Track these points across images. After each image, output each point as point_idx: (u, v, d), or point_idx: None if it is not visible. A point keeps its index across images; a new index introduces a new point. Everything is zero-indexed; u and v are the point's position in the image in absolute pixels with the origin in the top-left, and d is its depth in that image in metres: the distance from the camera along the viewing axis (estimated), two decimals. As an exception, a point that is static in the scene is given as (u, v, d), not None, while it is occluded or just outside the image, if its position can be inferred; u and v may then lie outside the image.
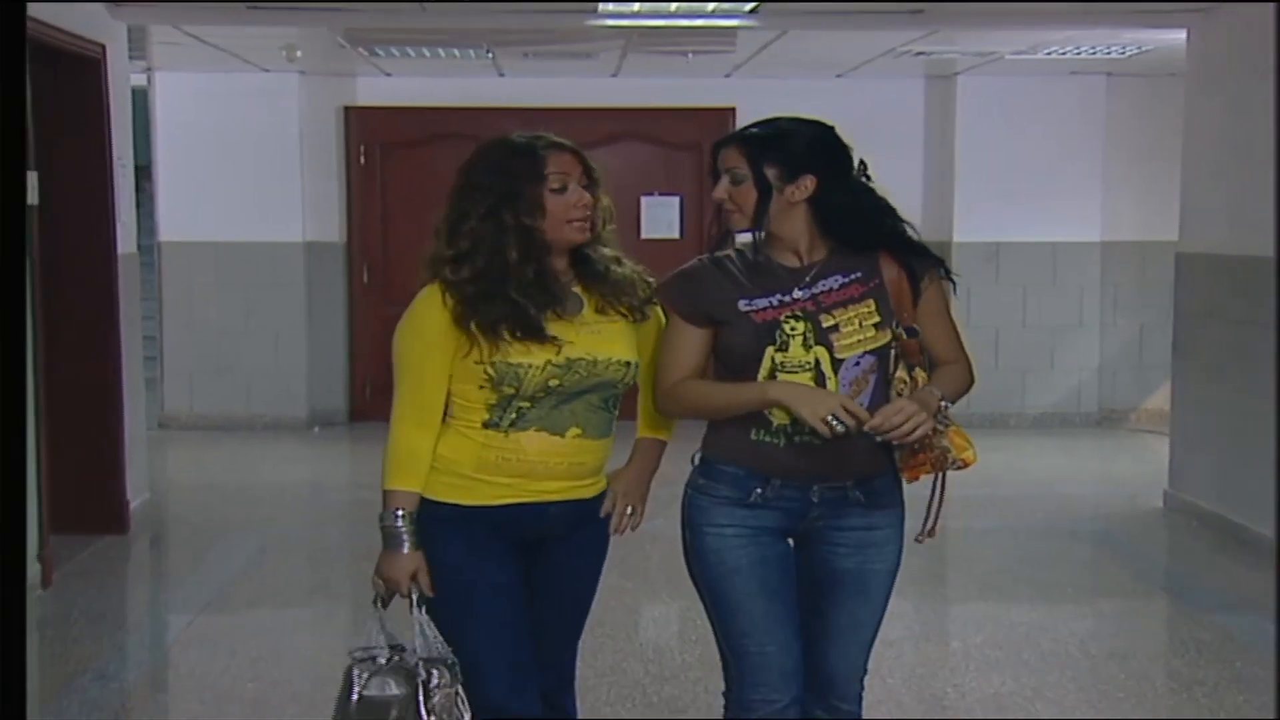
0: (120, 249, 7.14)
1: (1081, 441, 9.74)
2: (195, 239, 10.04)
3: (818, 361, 3.05)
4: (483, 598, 3.11)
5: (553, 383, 3.04)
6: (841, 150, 3.15)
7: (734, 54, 9.02)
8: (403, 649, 3.10)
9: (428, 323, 3.07)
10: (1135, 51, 8.76)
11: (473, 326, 3.02)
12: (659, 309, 3.21)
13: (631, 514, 3.28)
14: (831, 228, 3.12)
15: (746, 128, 3.16)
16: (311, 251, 10.28)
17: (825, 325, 3.06)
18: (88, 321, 6.88)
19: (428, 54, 8.97)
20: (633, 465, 3.31)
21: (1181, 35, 7.59)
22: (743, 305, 3.09)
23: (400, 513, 3.09)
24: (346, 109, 10.38)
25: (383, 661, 3.09)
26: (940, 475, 3.12)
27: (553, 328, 3.04)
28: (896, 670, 5.04)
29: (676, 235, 10.38)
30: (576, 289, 3.14)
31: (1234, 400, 7.05)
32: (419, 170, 10.08)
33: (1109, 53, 8.85)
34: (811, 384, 3.04)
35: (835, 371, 3.05)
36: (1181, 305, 7.72)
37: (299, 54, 9.07)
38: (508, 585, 3.13)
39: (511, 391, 3.04)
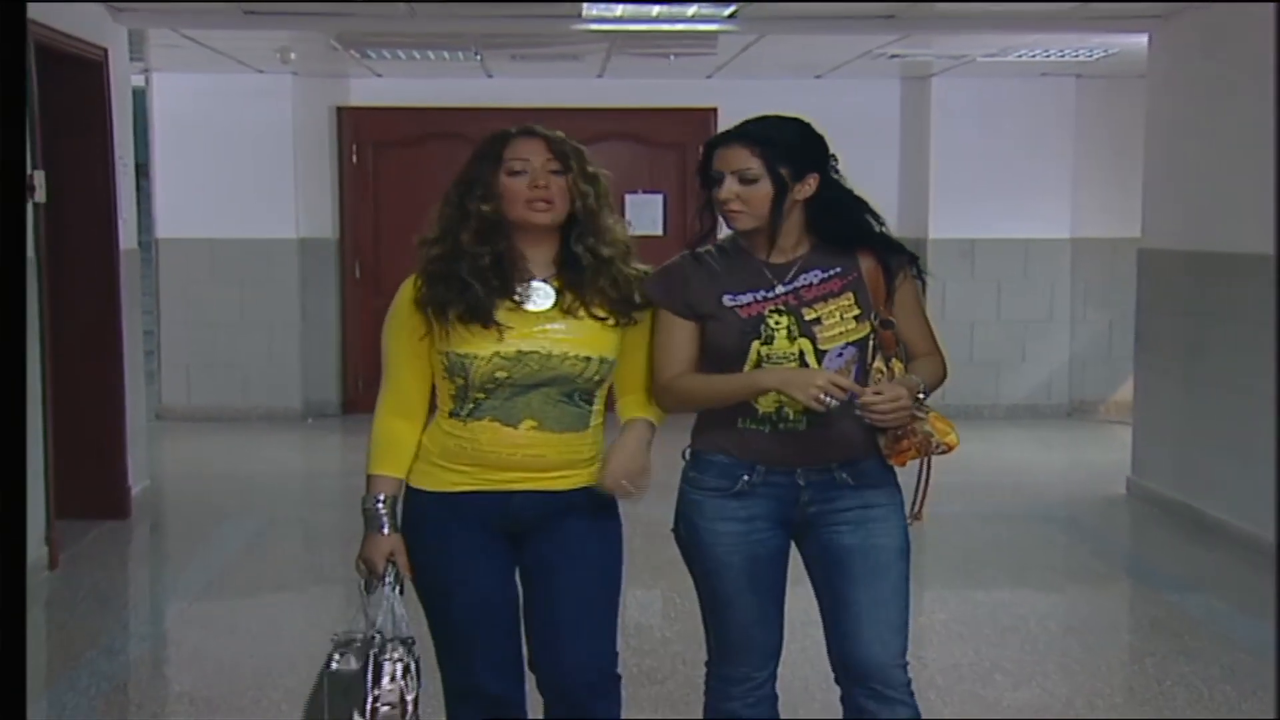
0: (122, 245, 7.41)
1: (1052, 432, 10.03)
2: (192, 236, 10.29)
3: (802, 353, 3.12)
4: (450, 581, 3.15)
5: (500, 374, 3.07)
6: (827, 148, 3.21)
7: (715, 56, 9.29)
8: (382, 634, 3.12)
9: (398, 311, 3.16)
10: (1102, 54, 9.04)
11: (428, 310, 3.09)
12: (649, 317, 3.20)
13: (629, 484, 3.19)
14: (818, 224, 3.17)
15: (746, 128, 3.15)
16: (305, 248, 10.53)
17: (808, 318, 3.12)
18: (92, 315, 7.13)
19: (418, 56, 9.22)
20: (619, 440, 3.22)
21: (1144, 39, 7.88)
22: (727, 300, 3.14)
23: (380, 497, 3.16)
24: (339, 109, 10.63)
25: (358, 642, 3.11)
26: (926, 459, 3.17)
27: (506, 317, 3.07)
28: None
29: (660, 232, 10.64)
30: (552, 285, 3.14)
31: (1193, 391, 7.34)
32: (409, 169, 10.35)
33: (1077, 55, 9.14)
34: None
35: (819, 362, 3.12)
36: (1143, 299, 8.01)
37: (293, 56, 9.33)
38: (477, 571, 3.15)
39: (462, 382, 3.09)
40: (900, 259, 3.22)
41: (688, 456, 3.26)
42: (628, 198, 10.54)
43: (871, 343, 3.17)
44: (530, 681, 3.26)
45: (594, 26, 7.73)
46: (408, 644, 3.10)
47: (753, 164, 3.10)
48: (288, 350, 10.56)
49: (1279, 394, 5.39)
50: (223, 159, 10.20)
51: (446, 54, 9.16)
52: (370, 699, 3.05)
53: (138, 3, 7.30)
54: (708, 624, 3.30)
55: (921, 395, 3.13)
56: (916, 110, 10.51)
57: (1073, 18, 7.61)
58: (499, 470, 3.11)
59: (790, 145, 3.11)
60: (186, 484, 8.39)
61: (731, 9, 7.33)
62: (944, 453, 3.14)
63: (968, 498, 7.77)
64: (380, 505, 3.15)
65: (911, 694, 3.21)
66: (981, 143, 10.29)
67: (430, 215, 3.19)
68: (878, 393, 3.03)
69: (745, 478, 3.16)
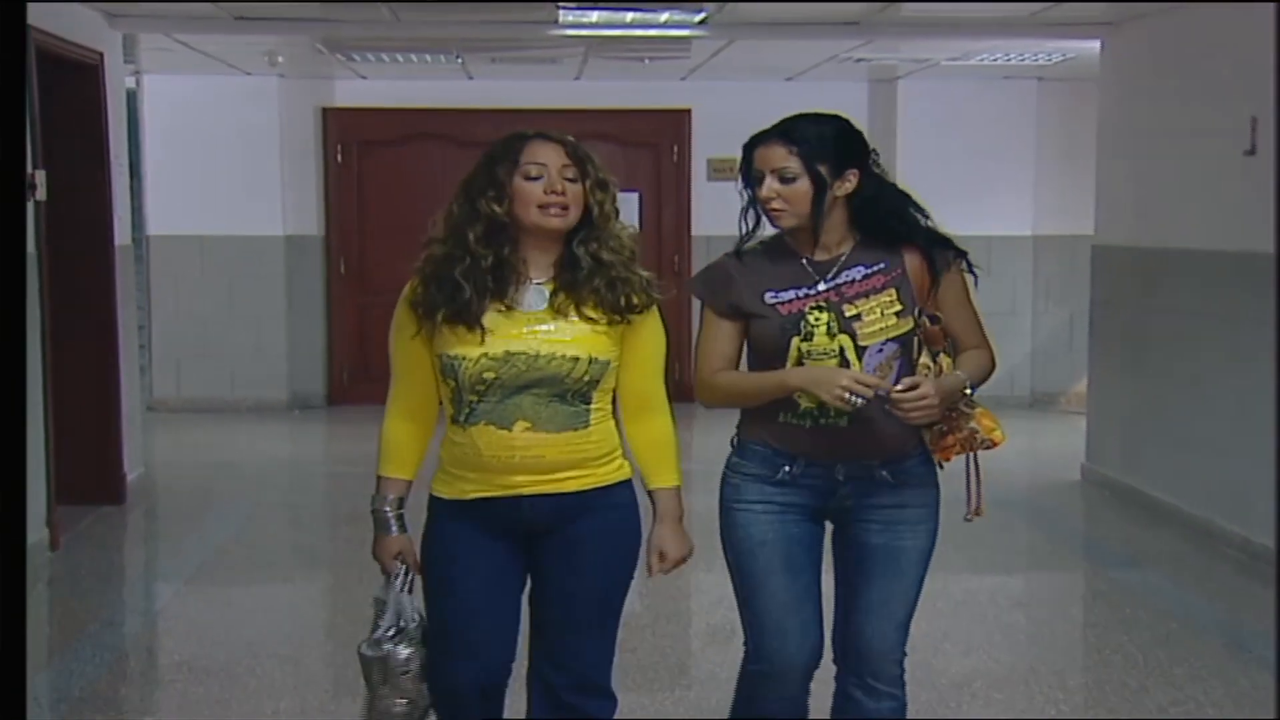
0: (117, 241, 7.70)
1: (1013, 422, 10.10)
2: (181, 233, 10.57)
3: (842, 349, 3.13)
4: (452, 584, 3.16)
5: (488, 375, 3.05)
6: (866, 144, 3.22)
7: (689, 59, 9.61)
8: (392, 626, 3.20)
9: (398, 312, 3.18)
10: (1061, 59, 9.39)
11: (419, 310, 3.11)
12: (654, 318, 3.19)
13: (662, 560, 3.23)
14: (863, 221, 3.19)
15: (786, 126, 3.15)
16: (291, 244, 10.83)
17: (848, 315, 3.13)
18: (89, 309, 7.40)
19: (401, 59, 9.51)
20: (655, 526, 3.24)
21: (1098, 45, 8.23)
22: (769, 298, 3.17)
23: (389, 498, 3.20)
24: (324, 110, 10.92)
25: (384, 630, 3.19)
26: (973, 455, 3.21)
27: (494, 319, 3.07)
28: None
29: (636, 229, 10.95)
30: (547, 287, 3.12)
31: (1142, 382, 7.69)
32: (393, 167, 10.68)
33: (1036, 59, 9.48)
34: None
35: (859, 358, 3.12)
36: (1096, 294, 8.36)
37: (280, 59, 9.61)
38: (482, 576, 3.15)
39: (454, 384, 3.09)
40: (945, 253, 3.21)
41: (733, 444, 3.31)
42: (604, 196, 10.83)
43: (916, 339, 3.16)
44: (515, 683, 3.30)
45: (570, 32, 8.03)
46: (415, 644, 3.16)
47: (791, 162, 3.11)
48: (275, 344, 10.85)
49: (1278, 397, 5.61)
50: (211, 158, 10.48)
51: (429, 57, 9.45)
52: (379, 697, 3.17)
53: (133, 4, 7.57)
54: (743, 616, 3.29)
55: (968, 390, 3.15)
56: (884, 112, 10.83)
57: (1028, 24, 7.94)
58: (503, 474, 3.10)
59: (827, 142, 3.12)
60: (178, 471, 8.68)
61: (701, 15, 7.65)
62: (989, 448, 3.19)
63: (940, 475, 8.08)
64: (388, 507, 3.20)
65: (902, 686, 3.29)
66: (946, 143, 10.61)
67: (436, 216, 3.17)
68: (905, 390, 3.01)
69: (786, 468, 3.19)
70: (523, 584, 3.24)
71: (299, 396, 10.95)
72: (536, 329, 3.08)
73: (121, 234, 7.87)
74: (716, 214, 11.01)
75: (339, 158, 10.97)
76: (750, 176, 3.18)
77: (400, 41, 8.78)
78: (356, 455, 9.17)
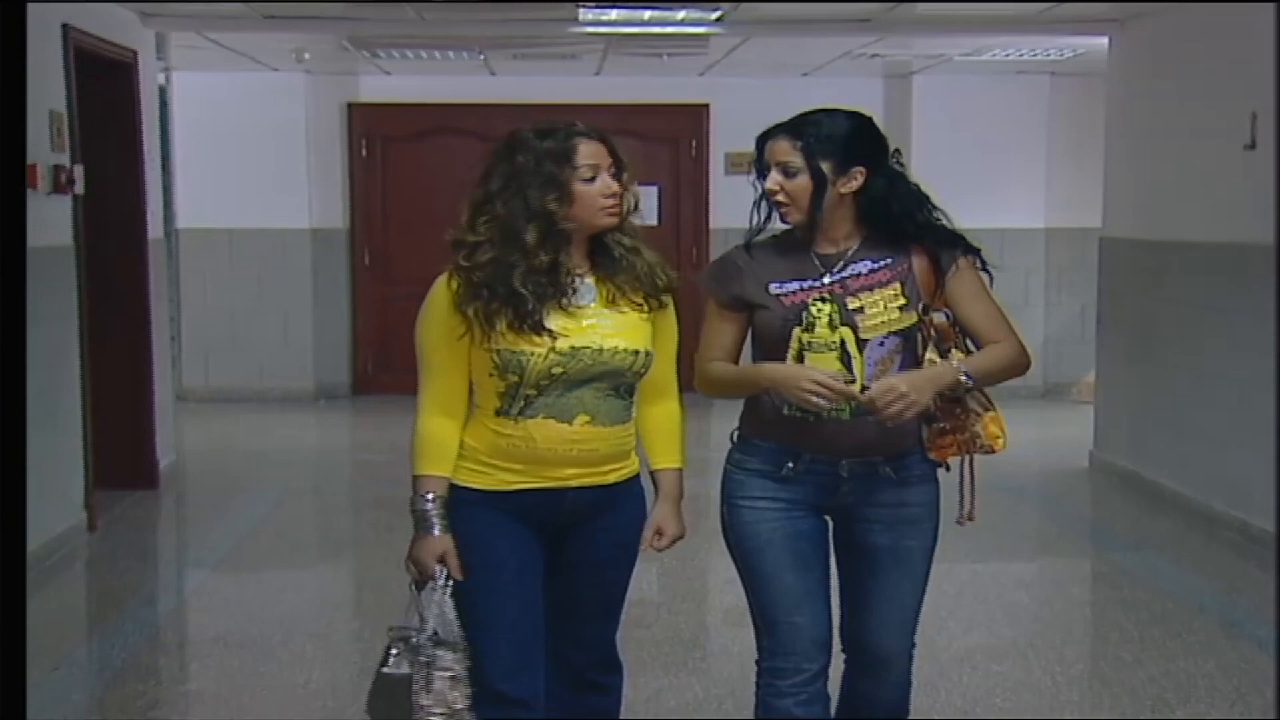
0: (150, 235, 7.94)
1: (1026, 412, 10.43)
2: (210, 226, 10.83)
3: (843, 341, 3.12)
4: (493, 579, 3.13)
5: (556, 370, 3.05)
6: (882, 141, 3.22)
7: (706, 55, 9.81)
8: (436, 633, 3.12)
9: (434, 311, 3.12)
10: (1072, 54, 9.57)
11: (470, 312, 3.05)
12: (672, 305, 3.23)
13: (660, 538, 3.27)
14: (869, 216, 3.18)
15: (796, 121, 3.17)
16: (317, 237, 11.08)
17: (851, 307, 3.12)
18: (124, 301, 7.63)
19: (425, 55, 9.74)
20: (657, 504, 3.30)
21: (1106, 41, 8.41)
22: (773, 289, 3.17)
23: (430, 497, 3.12)
24: (350, 105, 11.16)
25: (413, 638, 3.12)
26: (969, 458, 3.18)
27: (554, 319, 3.06)
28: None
29: (655, 222, 11.17)
30: (590, 279, 3.13)
31: (1149, 371, 7.87)
32: (417, 162, 10.91)
33: (1048, 55, 9.67)
34: (837, 363, 3.11)
35: (860, 351, 3.12)
36: (1104, 285, 8.55)
37: (307, 56, 9.85)
38: (520, 568, 3.15)
39: (516, 379, 3.06)
40: (951, 251, 3.19)
41: (735, 439, 3.30)
42: (624, 190, 11.03)
43: (920, 334, 3.14)
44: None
45: (590, 29, 8.23)
46: (460, 652, 3.09)
47: (794, 157, 3.12)
48: (301, 334, 11.11)
49: (1277, 390, 5.72)
50: (240, 153, 10.72)
51: (452, 54, 9.67)
52: (418, 708, 3.08)
53: (166, 3, 7.80)
54: (754, 615, 3.28)
55: (966, 380, 3.09)
56: (899, 106, 11.01)
57: (1037, 21, 8.13)
58: (555, 467, 3.11)
59: (835, 139, 3.11)
60: (209, 458, 8.93)
61: (717, 14, 7.85)
62: (988, 453, 3.18)
63: (940, 472, 8.27)
64: (430, 505, 3.13)
65: (909, 676, 3.30)
66: (961, 137, 10.79)
67: (467, 214, 3.11)
68: (876, 391, 3.00)
69: (790, 464, 3.18)
70: (541, 574, 3.23)
71: (325, 386, 11.20)
72: (595, 323, 3.09)
73: (154, 228, 8.11)
74: (734, 207, 11.05)
75: (364, 152, 11.20)
76: (760, 169, 3.20)
77: (424, 39, 9.00)
78: (381, 443, 9.54)
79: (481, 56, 9.84)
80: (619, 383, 3.12)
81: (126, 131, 7.67)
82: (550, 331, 3.04)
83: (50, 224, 6.49)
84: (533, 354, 3.04)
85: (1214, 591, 5.97)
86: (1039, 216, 11.05)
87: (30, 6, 6.02)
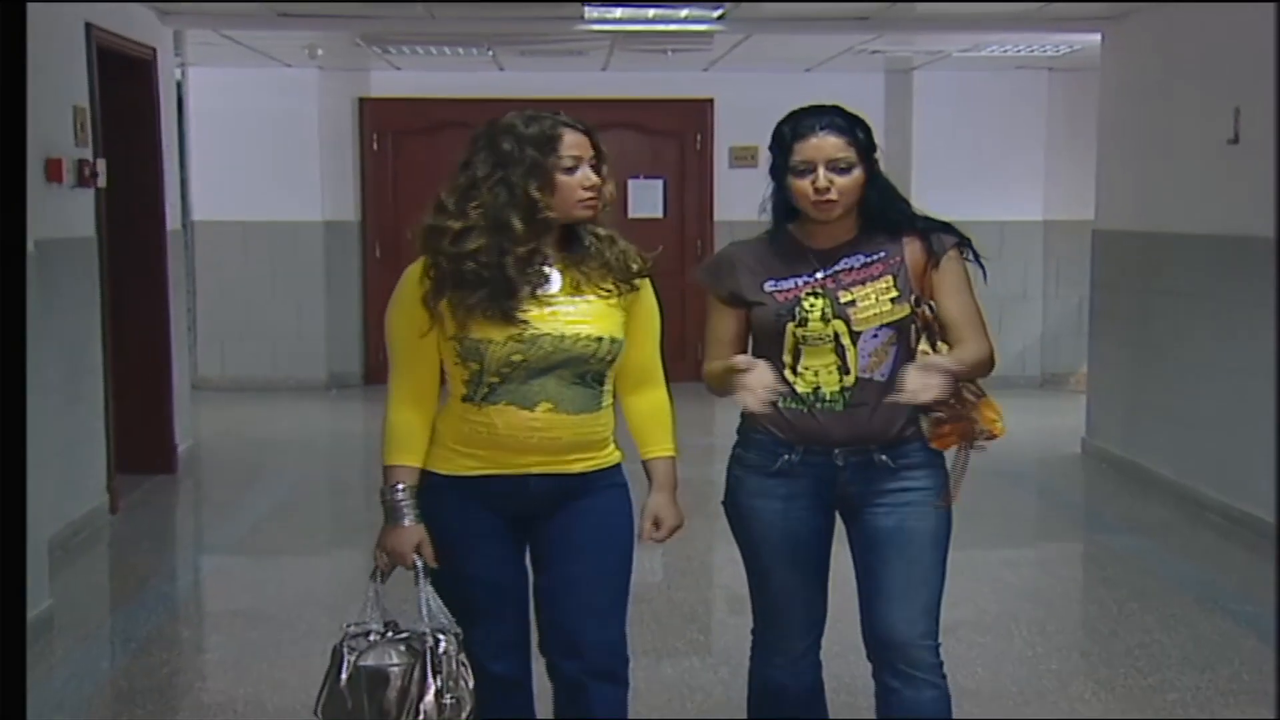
0: (168, 226, 8.18)
1: (1024, 401, 10.67)
2: (225, 218, 11.06)
3: (836, 335, 3.15)
4: (465, 562, 3.14)
5: (516, 357, 3.04)
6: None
7: (710, 51, 10.03)
8: (396, 625, 3.12)
9: (404, 300, 3.13)
10: (1068, 50, 9.78)
11: (441, 306, 3.05)
12: (650, 292, 3.23)
13: (658, 528, 3.26)
14: (864, 210, 3.20)
15: (832, 117, 3.17)
16: (329, 229, 11.32)
17: (843, 301, 3.15)
18: (144, 290, 7.87)
19: (434, 52, 9.97)
20: (651, 494, 3.28)
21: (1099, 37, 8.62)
22: (769, 286, 3.21)
23: (400, 487, 3.12)
24: (361, 100, 11.39)
25: (375, 637, 3.10)
26: (967, 445, 3.18)
27: (527, 307, 3.06)
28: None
29: (660, 214, 11.44)
30: (556, 267, 3.12)
31: (1139, 360, 8.08)
32: (426, 155, 11.09)
33: (1045, 51, 9.88)
34: (832, 356, 3.16)
35: (854, 343, 3.15)
36: (1097, 277, 8.76)
37: (319, 52, 10.09)
38: (493, 549, 3.15)
39: (477, 367, 3.06)
40: (942, 242, 3.21)
41: (737, 432, 3.34)
42: (630, 182, 11.25)
43: (914, 325, 3.18)
44: (538, 666, 3.28)
45: (595, 27, 8.46)
46: (458, 636, 3.08)
47: (848, 153, 3.13)
48: (313, 325, 11.35)
49: (1278, 383, 5.83)
50: (253, 147, 10.96)
51: (461, 50, 9.90)
52: (432, 692, 3.05)
53: (183, 2, 8.03)
54: (751, 593, 3.36)
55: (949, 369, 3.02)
56: (900, 102, 11.21)
57: (1032, 19, 8.34)
58: (516, 454, 3.09)
59: (869, 134, 3.18)
60: (225, 444, 9.17)
61: (720, 11, 8.07)
62: (990, 439, 3.17)
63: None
64: (401, 495, 3.12)
65: (943, 676, 3.24)
66: (960, 131, 11.00)
67: (444, 195, 3.13)
68: (908, 375, 2.98)
69: (786, 456, 3.21)
70: (523, 562, 3.23)
71: (336, 375, 11.43)
72: (558, 310, 3.07)
73: (172, 220, 8.34)
74: (738, 200, 11.39)
75: (375, 146, 11.44)
76: (791, 168, 3.15)
77: (434, 35, 9.24)
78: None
79: (490, 53, 10.06)
80: (584, 370, 3.09)
81: (146, 126, 7.90)
82: (523, 320, 3.03)
83: (74, 216, 6.73)
84: (491, 341, 3.03)
85: (1194, 570, 6.19)
86: (1037, 209, 11.26)
87: (55, 7, 6.31)
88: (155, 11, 8.03)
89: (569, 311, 3.08)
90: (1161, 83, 7.80)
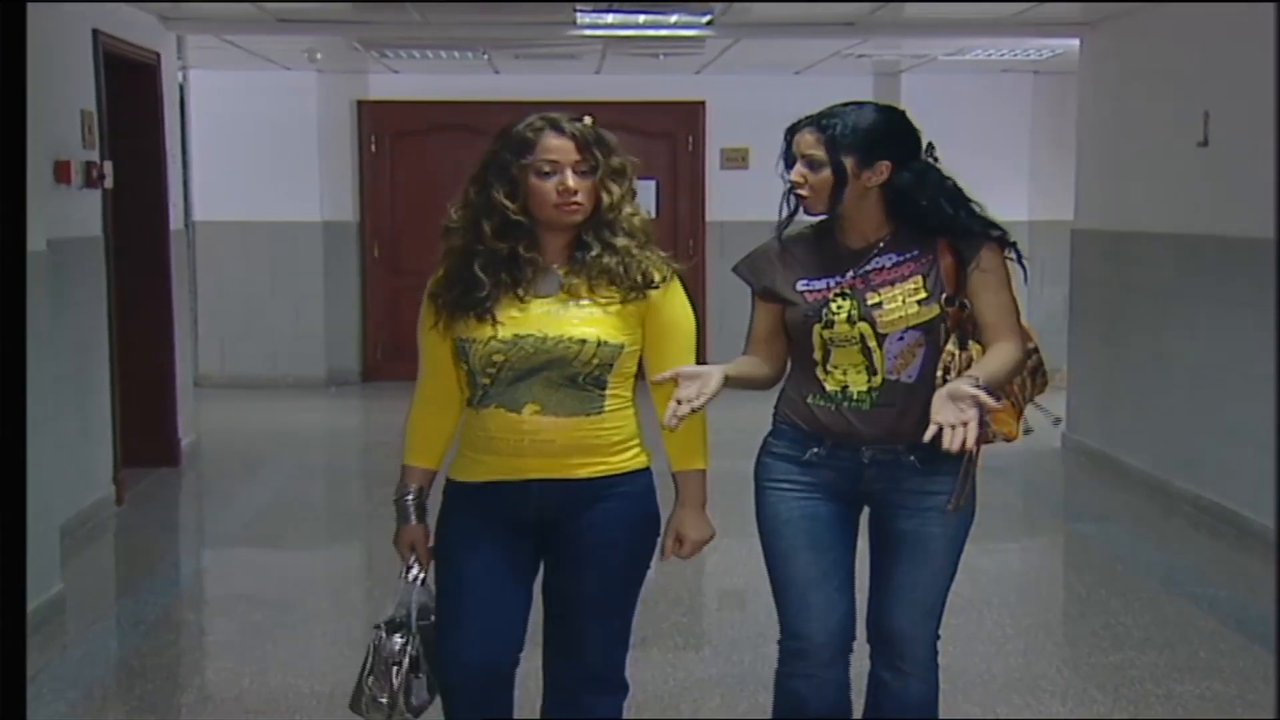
0: (171, 226, 8.40)
1: None
2: (225, 218, 11.27)
3: (863, 336, 3.14)
4: (462, 568, 3.13)
5: (497, 358, 3.03)
6: (912, 135, 3.23)
7: (702, 55, 10.24)
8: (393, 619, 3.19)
9: (424, 307, 3.16)
10: (1051, 54, 10.00)
11: (439, 302, 3.10)
12: (675, 302, 3.15)
13: (680, 545, 3.21)
14: (896, 210, 3.17)
15: (823, 114, 3.17)
16: (328, 230, 11.55)
17: (870, 302, 3.13)
18: (148, 288, 8.08)
19: (431, 55, 10.18)
20: (676, 509, 3.21)
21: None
22: (800, 285, 3.20)
23: (410, 488, 3.18)
24: (359, 103, 11.63)
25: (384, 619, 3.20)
26: (976, 447, 3.05)
27: (505, 308, 3.04)
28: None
29: (653, 215, 11.49)
30: (560, 270, 3.08)
31: (1115, 356, 8.31)
32: (424, 157, 11.37)
33: (1029, 55, 10.11)
34: (859, 357, 3.15)
35: (880, 345, 3.14)
36: (1076, 275, 9.00)
37: (319, 56, 10.31)
38: (490, 561, 3.12)
39: (465, 368, 3.08)
40: (974, 243, 3.17)
41: (773, 422, 3.34)
42: (624, 184, 11.45)
43: (944, 327, 3.13)
44: (524, 669, 3.25)
45: (587, 32, 8.68)
46: (410, 636, 3.15)
47: (818, 150, 3.13)
48: (313, 323, 11.57)
49: (1278, 382, 5.97)
50: (253, 149, 11.18)
51: (457, 53, 10.12)
52: (364, 689, 3.18)
53: (187, 5, 8.24)
54: (775, 597, 3.31)
55: (977, 389, 2.91)
56: (888, 103, 11.40)
57: (1011, 24, 8.57)
58: (512, 457, 3.07)
59: (859, 133, 3.11)
60: (226, 439, 9.38)
61: (708, 17, 8.30)
62: (1005, 441, 3.21)
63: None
64: (409, 497, 3.18)
65: (933, 670, 3.29)
66: (948, 133, 10.77)
67: (452, 202, 3.14)
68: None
69: (814, 450, 3.22)
70: (533, 572, 3.20)
71: (335, 373, 11.65)
72: (547, 313, 3.05)
73: (174, 220, 8.56)
74: (729, 201, 11.68)
75: (373, 148, 11.67)
76: (788, 161, 3.20)
77: (430, 40, 9.44)
78: (390, 426, 9.81)
79: (485, 56, 10.28)
80: (572, 372, 3.03)
81: (150, 129, 8.12)
82: (493, 317, 3.03)
83: (82, 217, 6.95)
84: (474, 341, 3.04)
85: (1162, 556, 6.43)
86: (1023, 210, 11.45)
87: (62, 13, 6.54)
88: (158, 17, 8.25)
89: (558, 313, 3.05)
90: (1135, 87, 8.03)
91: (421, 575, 3.17)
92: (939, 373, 3.08)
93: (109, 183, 7.21)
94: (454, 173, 3.23)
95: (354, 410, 11.05)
